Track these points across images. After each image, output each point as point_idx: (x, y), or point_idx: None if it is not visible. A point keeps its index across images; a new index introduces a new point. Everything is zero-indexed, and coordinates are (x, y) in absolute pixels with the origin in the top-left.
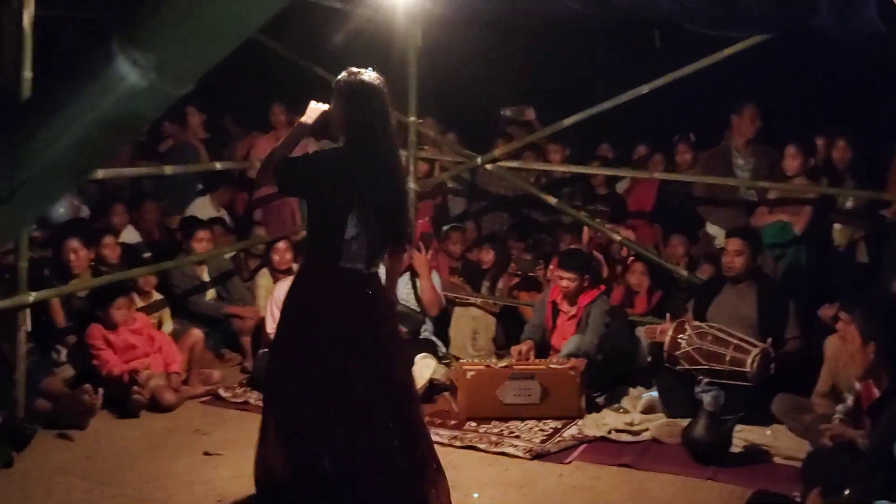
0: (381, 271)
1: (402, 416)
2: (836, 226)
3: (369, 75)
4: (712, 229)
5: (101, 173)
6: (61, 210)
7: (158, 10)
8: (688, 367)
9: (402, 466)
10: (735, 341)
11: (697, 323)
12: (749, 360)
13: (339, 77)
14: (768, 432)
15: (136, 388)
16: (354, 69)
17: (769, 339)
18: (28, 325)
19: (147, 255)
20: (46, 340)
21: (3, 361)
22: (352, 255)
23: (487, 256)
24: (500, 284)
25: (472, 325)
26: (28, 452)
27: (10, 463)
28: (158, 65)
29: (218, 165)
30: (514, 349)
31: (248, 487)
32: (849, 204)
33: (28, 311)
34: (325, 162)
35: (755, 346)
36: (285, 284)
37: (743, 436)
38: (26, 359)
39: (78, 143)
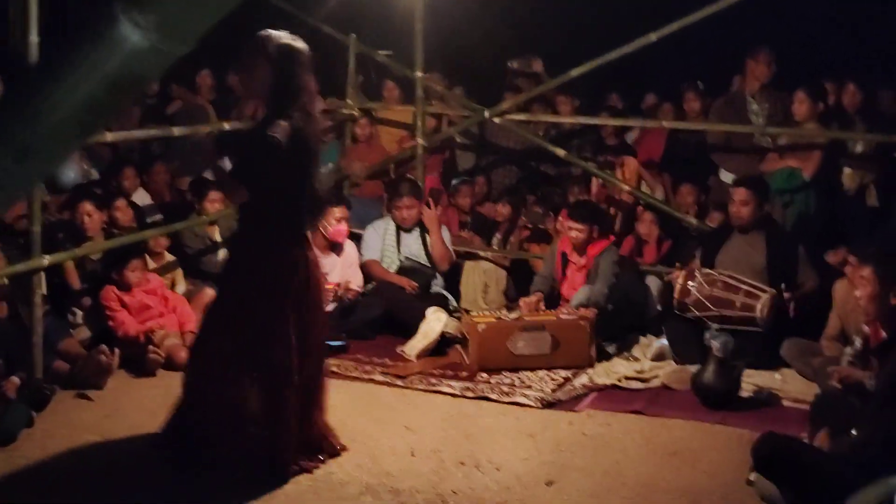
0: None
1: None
2: (846, 170)
3: (297, 39)
4: (726, 177)
5: (110, 136)
6: (72, 174)
7: None
8: (698, 313)
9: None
10: (745, 287)
11: (708, 270)
12: (759, 306)
13: (265, 39)
14: (777, 376)
15: (151, 347)
16: (275, 32)
17: (783, 285)
18: (43, 289)
19: (157, 217)
20: (62, 303)
21: (21, 324)
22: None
23: (504, 210)
24: (512, 238)
25: (482, 278)
26: (48, 413)
27: (31, 423)
28: (159, 25)
29: (226, 126)
30: (523, 301)
31: None
32: (858, 148)
33: (43, 274)
34: (270, 143)
35: (765, 291)
36: None
37: (752, 380)
38: (43, 321)
39: (85, 103)
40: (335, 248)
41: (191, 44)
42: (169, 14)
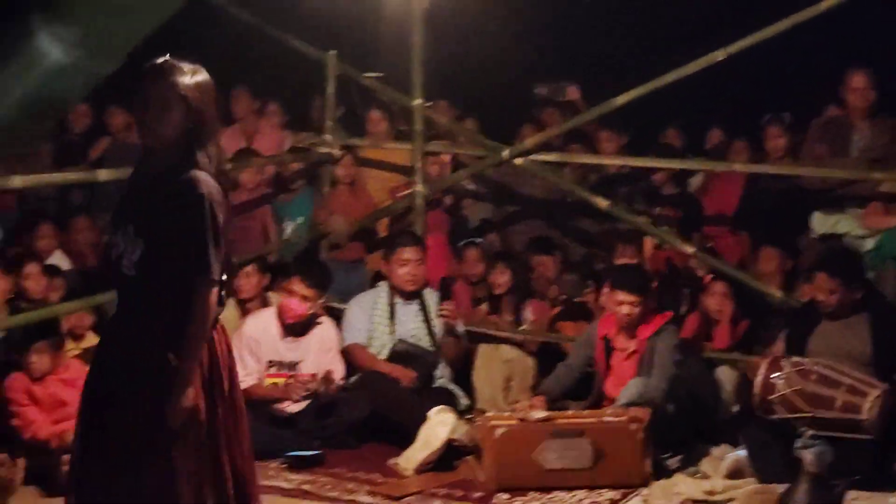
0: None
1: None
2: None
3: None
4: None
5: (18, 181)
6: None
7: None
8: (786, 415)
9: None
10: (848, 381)
11: (798, 359)
12: (867, 405)
13: (177, 69)
14: (892, 500)
15: (67, 457)
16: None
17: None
18: None
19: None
20: None
21: None
22: None
23: (502, 278)
24: (529, 315)
25: (504, 370)
26: None
27: None
28: (83, 39)
29: None
30: (518, 407)
31: None
32: None
33: None
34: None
35: (875, 386)
36: (257, 320)
37: None
38: None
39: None
40: (295, 329)
41: (119, 60)
42: (94, 27)
